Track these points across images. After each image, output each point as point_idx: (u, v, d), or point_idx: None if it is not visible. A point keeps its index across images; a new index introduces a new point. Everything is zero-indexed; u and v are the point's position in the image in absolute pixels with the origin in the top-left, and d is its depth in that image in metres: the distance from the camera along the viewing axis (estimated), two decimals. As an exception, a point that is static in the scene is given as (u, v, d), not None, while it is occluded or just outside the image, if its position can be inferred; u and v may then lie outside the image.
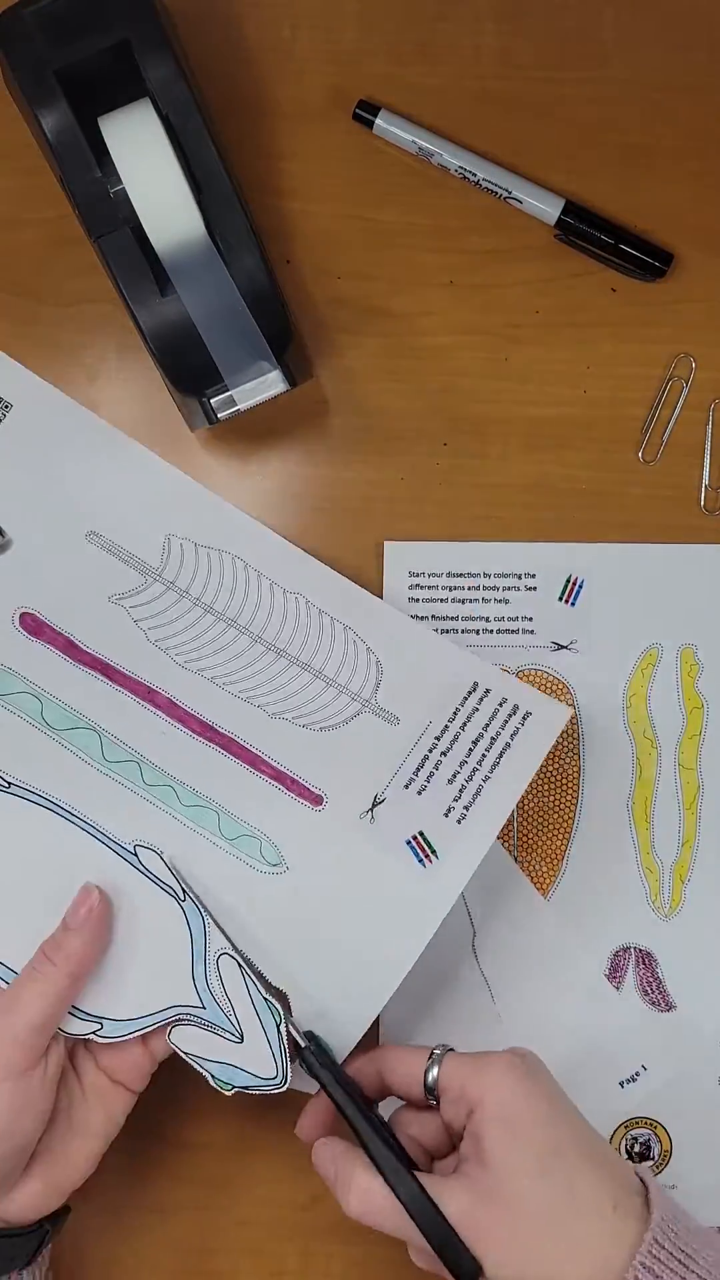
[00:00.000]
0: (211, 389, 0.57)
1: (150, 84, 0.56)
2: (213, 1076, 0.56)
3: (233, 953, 0.56)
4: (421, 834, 0.59)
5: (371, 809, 0.59)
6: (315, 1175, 0.63)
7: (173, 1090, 0.63)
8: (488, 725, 0.60)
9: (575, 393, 0.65)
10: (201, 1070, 0.56)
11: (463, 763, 0.59)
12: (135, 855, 0.57)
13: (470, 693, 0.60)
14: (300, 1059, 0.54)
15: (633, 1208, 0.49)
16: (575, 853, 0.65)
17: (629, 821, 0.65)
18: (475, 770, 0.59)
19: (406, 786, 0.59)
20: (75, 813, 0.58)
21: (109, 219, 0.57)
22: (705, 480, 0.65)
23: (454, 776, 0.59)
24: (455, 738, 0.60)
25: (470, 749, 0.59)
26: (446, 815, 0.59)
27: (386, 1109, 0.55)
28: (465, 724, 0.60)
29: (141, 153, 0.55)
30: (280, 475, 0.65)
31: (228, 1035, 0.56)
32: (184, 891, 0.56)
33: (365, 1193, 0.50)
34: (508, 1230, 0.49)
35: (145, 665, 0.60)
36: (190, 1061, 0.56)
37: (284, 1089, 0.56)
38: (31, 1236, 0.54)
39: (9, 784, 0.58)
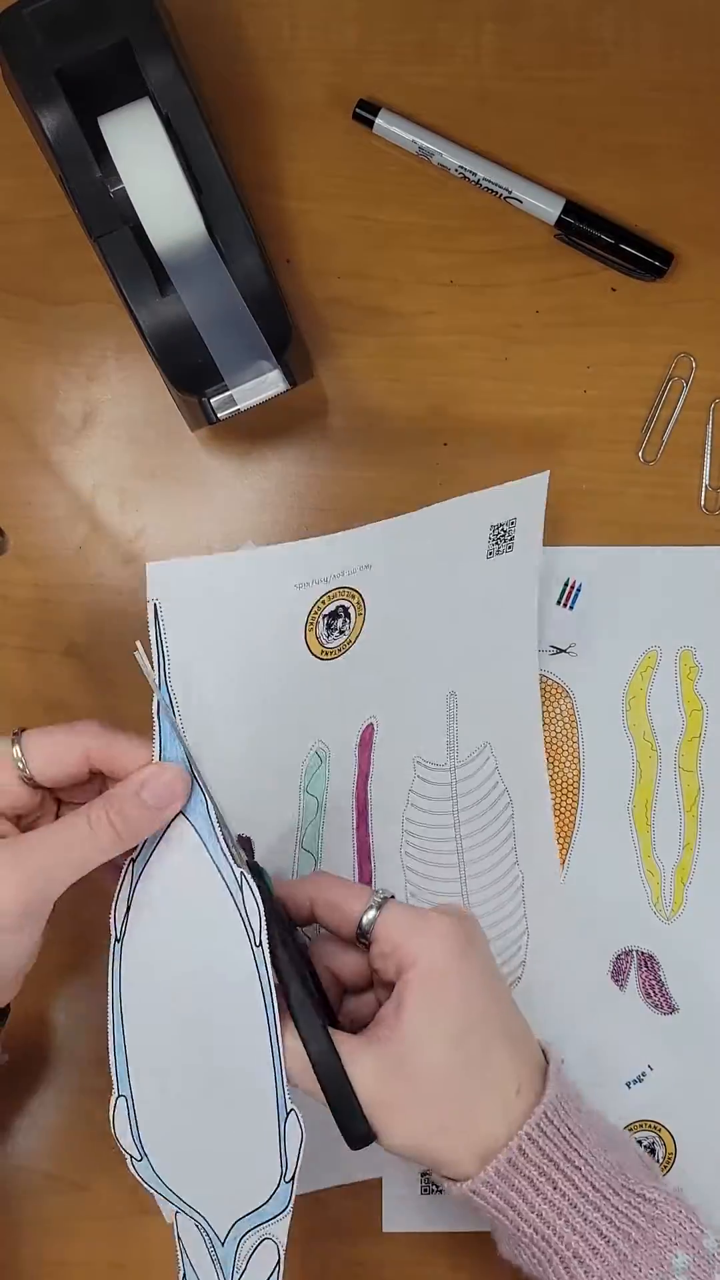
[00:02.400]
0: (211, 389, 0.57)
1: (150, 84, 0.56)
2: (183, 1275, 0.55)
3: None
4: None
5: None
6: (317, 1177, 0.63)
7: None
8: None
9: (575, 392, 0.65)
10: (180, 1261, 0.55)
11: None
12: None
13: None
14: (246, 883, 0.51)
15: (533, 1088, 0.50)
16: (576, 856, 0.65)
17: (629, 824, 0.65)
18: None
19: None
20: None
21: (109, 219, 0.57)
22: (705, 480, 0.65)
23: None
24: None
25: None
26: None
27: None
28: None
29: (141, 152, 0.55)
30: (280, 475, 0.65)
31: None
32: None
33: (288, 1050, 0.50)
34: (409, 1102, 0.49)
35: (385, 838, 0.61)
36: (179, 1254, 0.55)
37: None
38: None
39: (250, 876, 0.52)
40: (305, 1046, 0.49)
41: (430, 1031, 0.49)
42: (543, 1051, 0.53)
